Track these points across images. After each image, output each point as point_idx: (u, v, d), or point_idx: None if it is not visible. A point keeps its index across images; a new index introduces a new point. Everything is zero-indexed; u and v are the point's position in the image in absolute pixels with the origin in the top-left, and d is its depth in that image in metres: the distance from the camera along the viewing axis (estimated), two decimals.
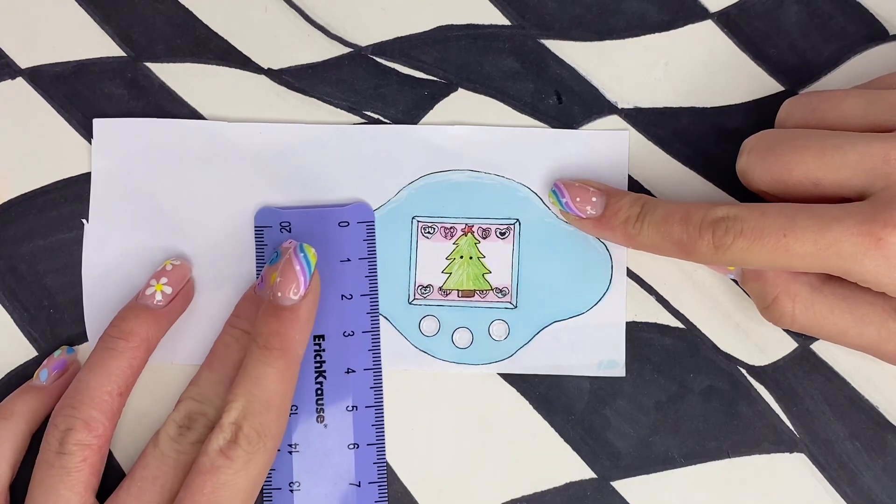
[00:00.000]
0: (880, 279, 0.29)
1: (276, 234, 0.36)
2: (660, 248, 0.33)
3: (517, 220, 0.37)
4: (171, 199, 0.37)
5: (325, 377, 0.36)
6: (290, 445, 0.35)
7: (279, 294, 0.32)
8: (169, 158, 0.37)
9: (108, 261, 0.37)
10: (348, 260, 0.36)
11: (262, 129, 0.37)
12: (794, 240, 0.30)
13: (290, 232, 0.36)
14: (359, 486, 0.35)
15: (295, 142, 0.37)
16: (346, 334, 0.36)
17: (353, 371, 0.36)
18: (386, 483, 0.35)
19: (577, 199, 0.35)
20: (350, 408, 0.36)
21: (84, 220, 0.37)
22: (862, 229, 0.29)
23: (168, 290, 0.35)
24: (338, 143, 0.37)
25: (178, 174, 0.37)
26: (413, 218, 0.37)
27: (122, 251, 0.37)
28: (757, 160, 0.32)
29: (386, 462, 0.36)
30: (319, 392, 0.36)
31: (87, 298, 0.37)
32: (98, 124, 0.38)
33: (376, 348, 0.36)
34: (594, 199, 0.34)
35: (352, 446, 0.35)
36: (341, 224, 0.36)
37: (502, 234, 0.37)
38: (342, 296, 0.36)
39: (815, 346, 0.36)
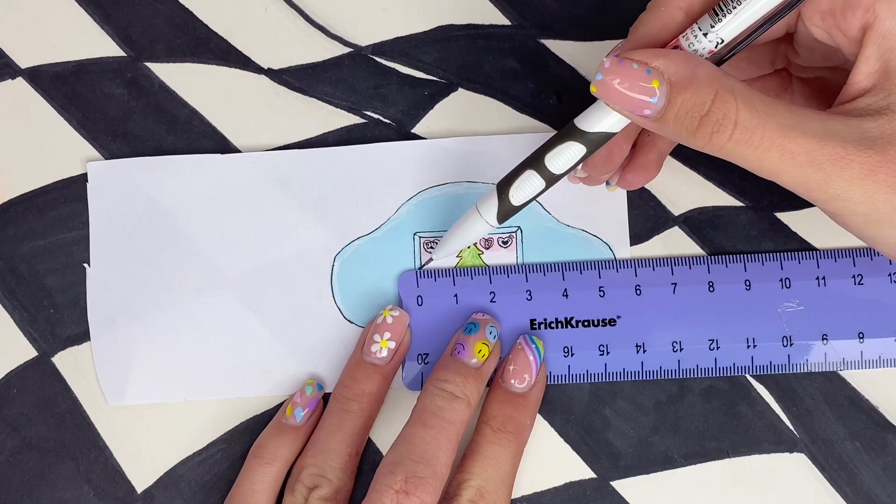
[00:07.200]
0: None
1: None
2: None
3: (518, 227, 0.37)
4: (171, 236, 0.37)
5: None
6: None
7: (512, 381, 0.34)
8: (165, 195, 0.37)
9: (112, 303, 0.37)
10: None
11: (256, 158, 0.37)
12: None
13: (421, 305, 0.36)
14: None
15: (289, 168, 0.37)
16: None
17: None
18: None
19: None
20: None
21: (86, 265, 0.37)
22: None
23: (392, 344, 0.35)
24: (332, 165, 0.37)
25: (176, 210, 0.37)
26: (415, 234, 0.37)
27: (126, 291, 0.37)
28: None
29: None
30: None
31: (94, 339, 0.37)
32: (91, 167, 0.37)
33: None
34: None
35: None
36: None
37: (505, 242, 0.37)
38: None
39: None
